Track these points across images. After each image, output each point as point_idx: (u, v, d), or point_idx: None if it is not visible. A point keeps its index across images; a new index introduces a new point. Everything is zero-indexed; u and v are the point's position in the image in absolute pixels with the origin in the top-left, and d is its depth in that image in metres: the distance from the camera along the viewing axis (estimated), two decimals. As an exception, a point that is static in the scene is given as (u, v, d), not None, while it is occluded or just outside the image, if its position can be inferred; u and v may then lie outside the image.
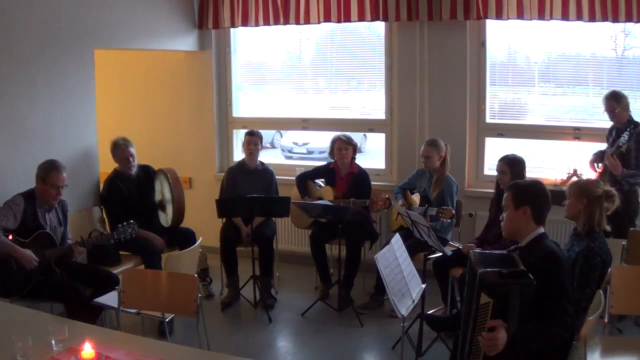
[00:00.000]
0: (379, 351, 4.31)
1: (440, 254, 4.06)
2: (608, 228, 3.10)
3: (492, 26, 5.21)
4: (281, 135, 10.03)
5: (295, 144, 9.39)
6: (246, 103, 6.39)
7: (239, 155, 6.09)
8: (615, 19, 4.53)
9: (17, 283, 3.74)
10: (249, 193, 4.94)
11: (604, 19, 4.55)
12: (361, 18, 5.31)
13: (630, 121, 4.43)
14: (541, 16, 4.75)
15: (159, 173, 4.96)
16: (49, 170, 3.90)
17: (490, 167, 5.29)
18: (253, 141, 5.19)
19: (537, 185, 2.88)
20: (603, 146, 4.64)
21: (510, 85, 5.51)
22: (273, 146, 10.26)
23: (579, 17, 4.62)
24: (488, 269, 2.46)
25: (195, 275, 3.61)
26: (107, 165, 4.95)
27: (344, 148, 5.08)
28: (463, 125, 5.32)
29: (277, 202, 4.99)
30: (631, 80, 5.02)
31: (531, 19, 4.80)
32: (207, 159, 6.25)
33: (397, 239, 3.67)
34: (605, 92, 4.52)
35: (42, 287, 3.79)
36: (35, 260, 3.74)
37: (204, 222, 5.42)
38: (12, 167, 4.18)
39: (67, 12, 4.54)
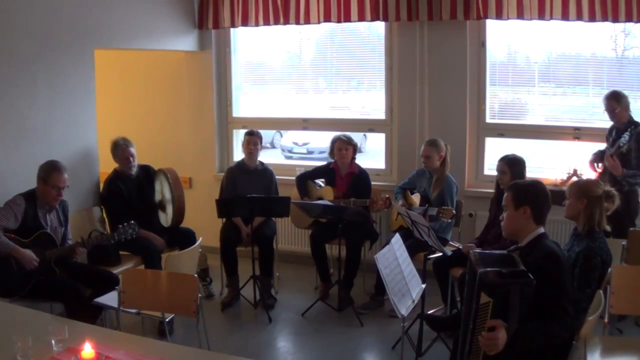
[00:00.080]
0: (379, 351, 4.31)
1: (440, 254, 4.06)
2: (608, 228, 3.10)
3: (492, 26, 5.21)
4: (281, 135, 10.03)
5: (295, 144, 9.39)
6: (246, 103, 6.39)
7: (239, 155, 6.09)
8: (615, 19, 4.53)
9: (17, 283, 3.74)
10: (249, 193, 4.94)
11: (604, 19, 4.55)
12: (361, 18, 5.31)
13: (631, 121, 4.42)
14: (541, 16, 4.75)
15: (159, 173, 4.96)
16: (50, 171, 3.90)
17: (490, 167, 5.29)
18: (253, 141, 5.19)
19: (537, 185, 2.88)
20: (603, 146, 4.64)
21: (510, 85, 5.51)
22: (273, 146, 10.25)
23: (579, 17, 4.62)
24: (488, 269, 2.46)
25: (195, 275, 3.61)
26: (107, 165, 4.95)
27: (344, 148, 5.08)
28: (463, 125, 5.32)
29: (277, 202, 5.00)
30: (631, 80, 5.02)
31: (531, 19, 4.80)
32: (207, 159, 6.25)
33: (397, 239, 3.67)
34: (606, 92, 4.52)
35: (42, 287, 3.79)
36: (36, 261, 3.74)
37: (204, 222, 5.42)
38: (12, 167, 4.18)
39: (67, 12, 4.54)
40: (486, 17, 4.95)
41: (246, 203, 4.84)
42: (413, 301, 3.40)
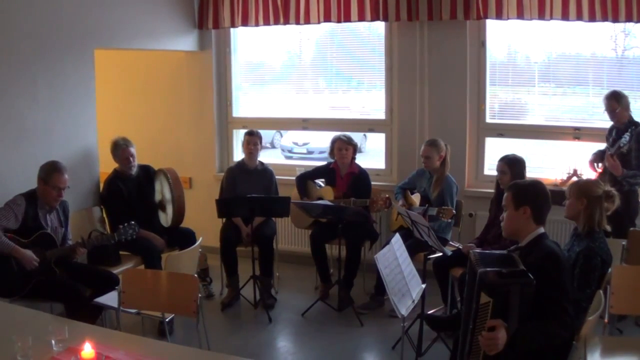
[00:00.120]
0: (379, 351, 4.31)
1: (440, 254, 4.06)
2: (608, 228, 3.10)
3: (492, 26, 5.21)
4: (281, 135, 10.02)
5: (295, 144, 9.38)
6: (246, 103, 6.39)
7: (239, 155, 6.09)
8: (615, 19, 4.53)
9: (17, 283, 3.74)
10: (249, 193, 4.94)
11: (604, 19, 4.55)
12: (361, 18, 5.31)
13: (631, 121, 4.42)
14: (541, 16, 4.75)
15: (159, 173, 4.96)
16: (50, 172, 3.89)
17: (490, 167, 5.29)
18: (252, 141, 5.19)
19: (537, 185, 2.88)
20: (603, 146, 4.64)
21: (510, 85, 5.51)
22: (273, 146, 10.25)
23: (579, 17, 4.62)
24: (488, 269, 2.46)
25: (195, 275, 3.61)
26: (107, 165, 4.95)
27: (344, 148, 5.08)
28: (463, 125, 5.32)
29: (277, 202, 5.00)
30: (631, 80, 5.02)
31: (531, 19, 4.80)
32: (207, 159, 6.25)
33: (397, 239, 3.67)
34: (606, 92, 4.52)
35: (42, 287, 3.79)
36: (36, 261, 3.75)
37: (204, 222, 5.42)
38: (12, 167, 4.18)
39: (67, 12, 4.54)
40: (486, 17, 4.95)
41: (246, 203, 4.84)
42: (413, 301, 3.40)
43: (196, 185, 6.30)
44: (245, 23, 5.76)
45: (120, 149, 4.76)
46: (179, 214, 4.88)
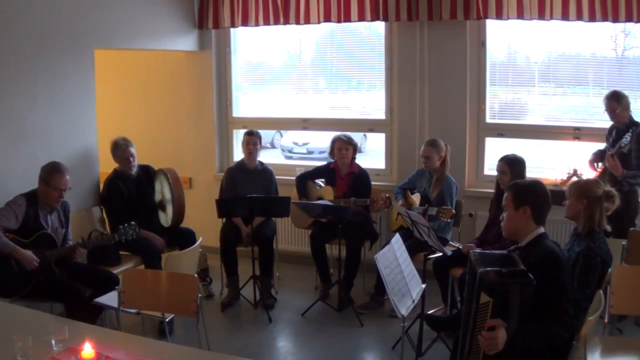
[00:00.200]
0: (379, 351, 4.31)
1: (440, 254, 4.06)
2: (608, 228, 3.10)
3: (492, 26, 5.21)
4: (281, 135, 10.03)
5: (295, 144, 9.38)
6: (246, 103, 6.39)
7: (239, 155, 6.09)
8: (615, 19, 4.53)
9: (17, 283, 3.74)
10: (249, 193, 4.94)
11: (604, 19, 4.55)
12: (361, 18, 5.31)
13: (631, 121, 4.42)
14: (541, 16, 4.75)
15: (159, 173, 4.96)
16: (52, 173, 3.89)
17: (490, 167, 5.29)
18: (252, 141, 5.19)
19: (537, 185, 2.88)
20: (603, 146, 4.64)
21: (510, 85, 5.51)
22: (273, 146, 10.25)
23: (579, 17, 4.62)
24: (488, 269, 2.46)
25: (195, 275, 3.61)
26: (107, 165, 4.95)
27: (344, 148, 5.08)
28: (463, 125, 5.32)
29: (277, 202, 5.00)
30: (631, 80, 5.02)
31: (531, 19, 4.79)
32: (207, 159, 6.25)
33: (397, 239, 3.67)
34: (606, 92, 4.52)
35: (42, 287, 3.79)
36: (36, 261, 3.74)
37: (204, 222, 5.42)
38: (12, 167, 4.18)
39: (67, 12, 4.54)
40: (486, 17, 4.95)
41: (246, 203, 4.84)
42: (413, 301, 3.40)
43: (196, 185, 6.30)
44: (245, 23, 5.76)
45: (120, 149, 4.76)
46: (179, 214, 4.88)
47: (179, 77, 6.21)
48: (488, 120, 5.38)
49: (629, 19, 4.49)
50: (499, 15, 4.88)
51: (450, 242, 4.75)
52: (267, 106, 6.36)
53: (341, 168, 5.16)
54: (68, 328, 2.47)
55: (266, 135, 7.93)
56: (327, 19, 5.42)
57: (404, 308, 3.27)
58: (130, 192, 4.79)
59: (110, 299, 3.77)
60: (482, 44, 5.24)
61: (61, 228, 4.07)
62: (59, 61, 4.50)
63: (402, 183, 5.11)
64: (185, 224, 4.99)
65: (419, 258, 4.25)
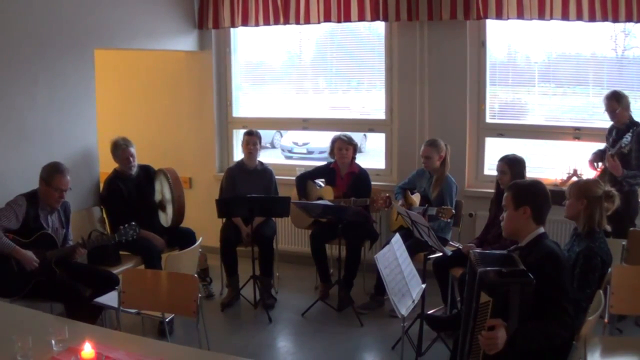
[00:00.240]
0: (379, 351, 4.31)
1: (440, 254, 4.06)
2: (608, 228, 3.10)
3: (492, 26, 5.21)
4: (281, 135, 10.03)
5: (295, 144, 9.39)
6: (246, 103, 6.39)
7: (239, 155, 6.08)
8: (615, 19, 4.53)
9: (17, 283, 3.74)
10: (249, 193, 4.94)
11: (604, 19, 4.55)
12: (361, 18, 5.31)
13: (631, 121, 4.42)
14: (541, 16, 4.75)
15: (159, 173, 4.97)
16: (52, 173, 3.88)
17: (490, 167, 5.29)
18: (252, 141, 5.19)
19: (537, 185, 2.88)
20: (603, 146, 4.64)
21: (510, 85, 5.51)
22: (273, 146, 10.25)
23: (579, 17, 4.62)
24: (488, 268, 2.46)
25: (195, 275, 3.61)
26: (107, 165, 4.95)
27: (344, 148, 5.08)
28: (463, 125, 5.32)
29: (277, 202, 5.00)
30: (631, 80, 5.02)
31: (531, 19, 4.80)
32: (207, 159, 6.25)
33: (397, 239, 3.67)
34: (606, 92, 4.52)
35: (42, 287, 3.79)
36: (36, 261, 3.74)
37: (204, 222, 5.42)
38: (12, 168, 4.18)
39: (67, 12, 4.54)
40: (486, 17, 4.95)
41: (246, 203, 4.84)
42: (413, 301, 3.40)
43: (196, 185, 6.30)
44: (245, 23, 5.76)
45: (120, 149, 4.75)
46: (179, 214, 4.88)
47: (179, 77, 6.21)
48: (488, 120, 5.38)
49: (629, 19, 4.49)
50: (499, 15, 4.88)
51: (450, 242, 4.75)
52: (267, 106, 6.36)
53: (341, 168, 5.16)
54: (68, 328, 2.47)
55: (266, 135, 7.93)
56: (327, 19, 5.42)
57: (404, 308, 3.27)
58: (130, 192, 4.79)
59: (110, 299, 3.77)
60: (482, 44, 5.24)
61: (62, 228, 4.07)
62: (58, 61, 4.50)
63: (402, 183, 5.11)
64: (185, 224, 4.99)
65: (419, 258, 4.25)
